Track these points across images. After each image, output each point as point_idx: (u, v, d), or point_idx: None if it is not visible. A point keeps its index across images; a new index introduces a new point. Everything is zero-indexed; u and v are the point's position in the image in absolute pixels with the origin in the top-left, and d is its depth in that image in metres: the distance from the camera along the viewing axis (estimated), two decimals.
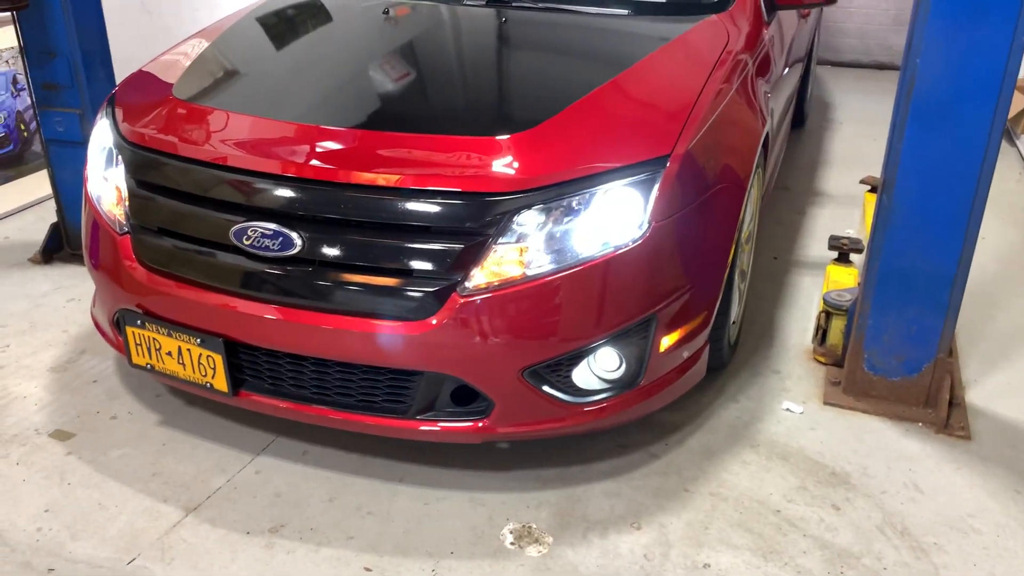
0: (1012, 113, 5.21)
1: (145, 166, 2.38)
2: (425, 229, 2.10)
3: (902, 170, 2.45)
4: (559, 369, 2.19)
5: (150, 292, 2.33)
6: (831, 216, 4.17)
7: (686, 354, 2.39)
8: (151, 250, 2.34)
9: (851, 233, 3.94)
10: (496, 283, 2.08)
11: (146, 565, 2.10)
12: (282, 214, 2.16)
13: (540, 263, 2.10)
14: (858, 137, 5.34)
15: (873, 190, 3.96)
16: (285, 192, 2.15)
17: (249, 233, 2.16)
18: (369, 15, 3.10)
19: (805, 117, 5.44)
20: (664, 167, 2.17)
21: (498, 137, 2.17)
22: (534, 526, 2.23)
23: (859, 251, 3.41)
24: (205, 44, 2.88)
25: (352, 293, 2.13)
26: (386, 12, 3.04)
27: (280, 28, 3.09)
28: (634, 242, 2.13)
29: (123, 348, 2.47)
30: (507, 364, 2.13)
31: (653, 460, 2.47)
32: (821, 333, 2.94)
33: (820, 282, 3.44)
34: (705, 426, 2.61)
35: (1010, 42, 2.26)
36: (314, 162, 2.15)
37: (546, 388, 2.19)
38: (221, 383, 2.29)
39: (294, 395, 2.30)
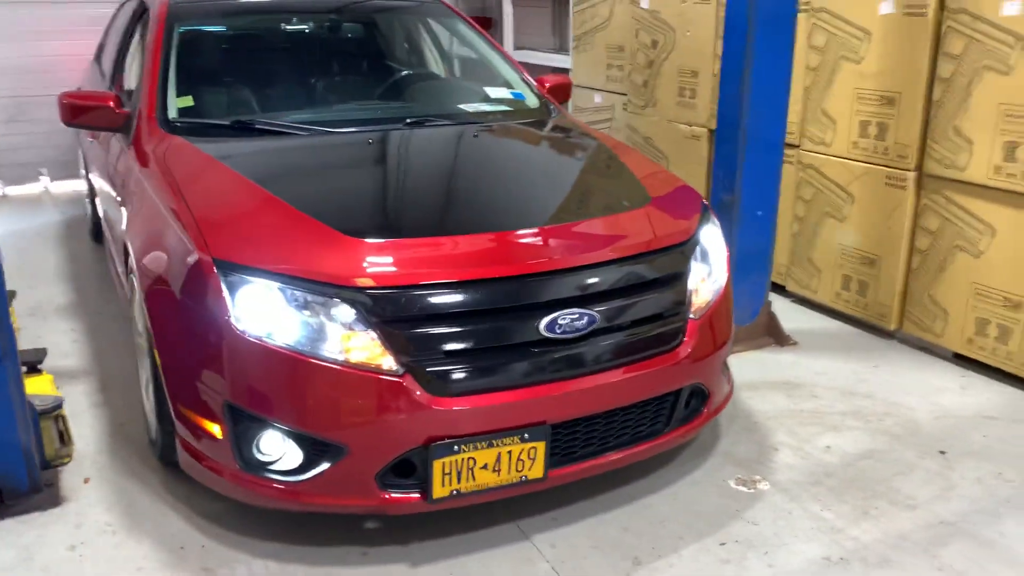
0: None
1: (419, 304, 2.42)
2: (668, 279, 2.73)
3: (745, 187, 3.84)
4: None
5: (456, 416, 2.38)
6: None
7: None
8: (446, 376, 2.38)
9: None
10: (704, 304, 2.83)
11: None
12: (579, 299, 2.53)
13: (714, 282, 2.91)
14: None
15: None
16: (580, 280, 2.55)
17: (559, 322, 2.47)
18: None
19: None
20: (704, 205, 3.16)
21: (650, 207, 2.90)
22: (740, 475, 3.00)
23: None
24: (262, 184, 2.77)
25: (636, 345, 2.64)
26: (369, 142, 3.23)
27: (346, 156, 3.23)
28: (724, 257, 3.09)
29: (391, 502, 2.42)
30: (720, 359, 2.89)
31: (713, 423, 3.38)
32: None
33: None
34: None
35: (783, 110, 3.86)
36: (591, 251, 2.61)
37: (728, 370, 3.00)
38: (538, 470, 2.50)
39: (583, 455, 2.63)
